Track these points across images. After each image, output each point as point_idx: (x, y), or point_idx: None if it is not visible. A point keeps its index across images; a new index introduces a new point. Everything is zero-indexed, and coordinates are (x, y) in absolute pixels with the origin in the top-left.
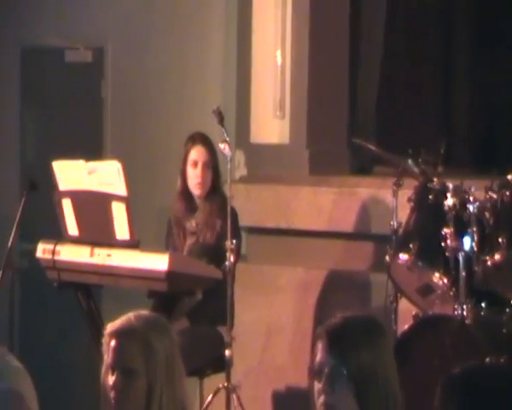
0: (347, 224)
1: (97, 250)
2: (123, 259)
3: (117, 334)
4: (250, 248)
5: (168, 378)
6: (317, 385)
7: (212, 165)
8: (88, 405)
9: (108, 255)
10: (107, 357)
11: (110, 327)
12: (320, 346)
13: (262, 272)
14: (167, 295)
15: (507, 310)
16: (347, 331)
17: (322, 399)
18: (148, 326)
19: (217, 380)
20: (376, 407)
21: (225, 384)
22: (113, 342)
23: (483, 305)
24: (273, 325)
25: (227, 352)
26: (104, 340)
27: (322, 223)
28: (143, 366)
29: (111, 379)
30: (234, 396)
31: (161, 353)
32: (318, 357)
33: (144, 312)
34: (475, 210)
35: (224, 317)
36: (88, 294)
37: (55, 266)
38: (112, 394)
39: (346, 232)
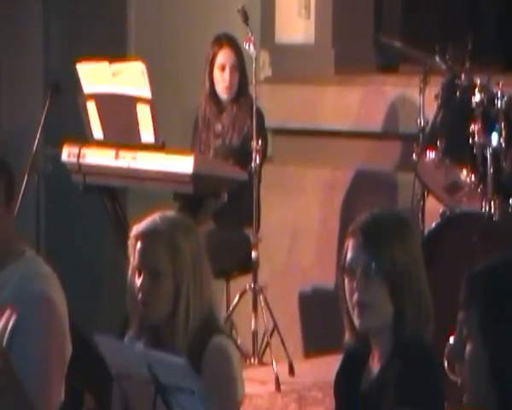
0: (374, 123)
1: (122, 153)
2: (148, 161)
3: (142, 235)
4: (276, 149)
5: (195, 278)
6: (349, 283)
7: (239, 67)
8: (115, 308)
9: (133, 158)
10: (134, 259)
11: (135, 229)
12: (352, 243)
13: (288, 174)
14: (193, 197)
15: None
16: (381, 227)
17: (356, 297)
18: (174, 227)
19: (243, 282)
20: (410, 305)
21: (252, 286)
22: (138, 244)
23: (511, 201)
24: (299, 226)
25: (253, 253)
26: (130, 242)
27: (348, 123)
28: (170, 267)
29: (138, 281)
30: (260, 297)
31: (187, 253)
32: (350, 254)
33: (170, 213)
34: (503, 105)
35: (250, 218)
36: (113, 197)
37: (80, 169)
38: (139, 296)
39: (372, 132)
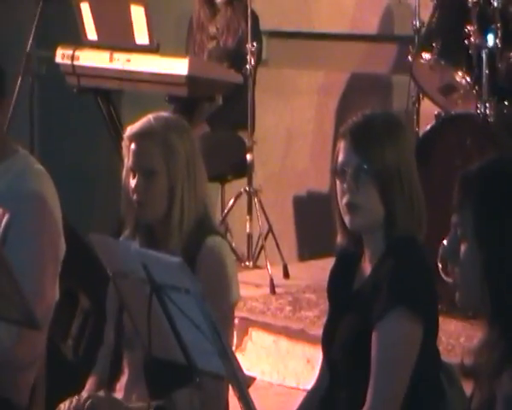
0: (369, 25)
1: (117, 55)
2: (142, 63)
3: (136, 136)
4: (271, 52)
5: (189, 178)
6: (340, 185)
7: None
8: (110, 210)
9: (128, 60)
10: (128, 160)
11: (129, 130)
12: (343, 145)
13: (283, 76)
14: (187, 99)
15: None
16: (371, 128)
17: (346, 198)
18: (168, 127)
19: (238, 185)
20: (401, 206)
21: (247, 189)
22: (132, 145)
23: (506, 103)
24: (294, 130)
25: (248, 156)
26: (124, 143)
27: (343, 25)
28: (164, 167)
29: (132, 182)
30: (255, 200)
31: (181, 153)
32: (341, 156)
33: (164, 113)
34: (499, 5)
35: (245, 121)
36: (108, 99)
37: (74, 71)
38: (134, 196)
39: (367, 34)
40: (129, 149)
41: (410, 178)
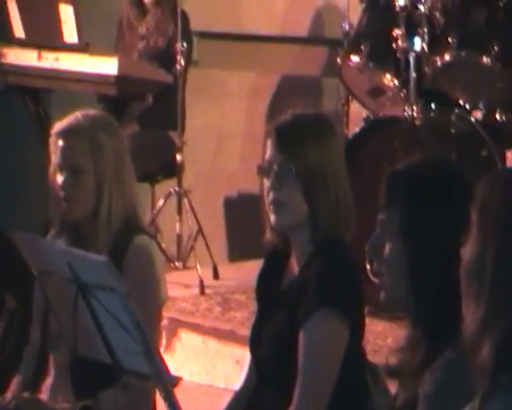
0: (299, 28)
1: (45, 54)
2: (71, 62)
3: (64, 133)
4: (201, 52)
5: (117, 177)
6: (266, 183)
7: None
8: (37, 210)
9: (56, 59)
10: (55, 157)
11: (57, 126)
12: (269, 143)
13: (213, 77)
14: (117, 99)
15: (456, 111)
16: (296, 128)
17: (270, 196)
18: (96, 124)
19: (168, 185)
20: (325, 205)
21: (176, 189)
22: (60, 142)
23: (432, 106)
24: (224, 131)
25: (178, 156)
26: (51, 140)
27: (273, 27)
28: (91, 165)
29: (60, 179)
30: (185, 201)
31: (110, 151)
32: (267, 154)
33: (92, 111)
34: (426, 10)
35: (175, 121)
36: (36, 98)
37: (1, 68)
38: (61, 193)
39: (298, 36)
40: (56, 145)
41: (337, 179)
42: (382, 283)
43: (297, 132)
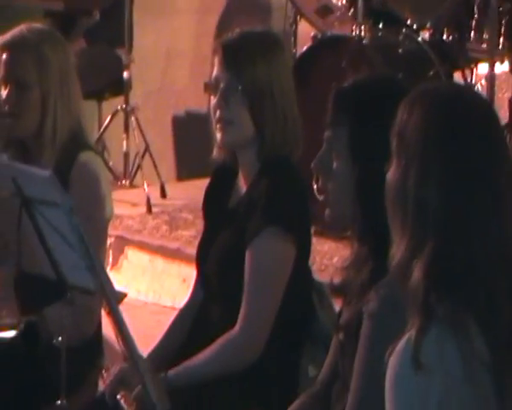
0: None
1: None
2: None
3: (8, 45)
4: None
5: (62, 92)
6: (213, 101)
7: None
8: None
9: None
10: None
11: (1, 40)
12: (216, 60)
13: None
14: (64, 14)
15: (403, 30)
16: (244, 45)
17: (217, 114)
18: (42, 38)
19: (115, 103)
20: (272, 124)
21: (123, 106)
22: (4, 55)
23: (380, 25)
24: (173, 49)
25: (125, 73)
26: None
27: None
28: (36, 78)
29: (3, 93)
30: (132, 118)
31: (55, 64)
32: (214, 72)
33: (37, 25)
34: None
35: (122, 38)
36: None
37: None
38: (6, 108)
39: None
40: (0, 58)
41: (284, 97)
42: (327, 200)
43: (244, 50)
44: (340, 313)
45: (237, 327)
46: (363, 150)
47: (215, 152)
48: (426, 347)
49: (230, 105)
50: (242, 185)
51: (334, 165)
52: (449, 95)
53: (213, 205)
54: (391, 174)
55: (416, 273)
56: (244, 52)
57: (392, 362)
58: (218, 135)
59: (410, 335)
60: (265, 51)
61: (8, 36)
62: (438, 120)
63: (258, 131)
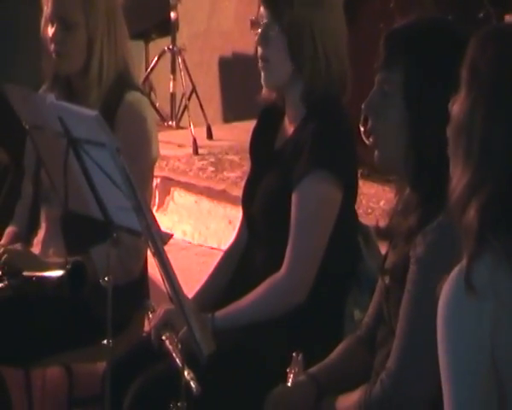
0: None
1: None
2: None
3: None
4: None
5: (109, 32)
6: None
7: None
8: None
9: None
10: (47, 8)
11: None
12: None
13: None
14: None
15: None
16: None
17: (259, 51)
18: None
19: (162, 44)
20: (311, 63)
21: (170, 47)
22: None
23: None
24: None
25: (172, 14)
26: None
27: None
28: (83, 17)
29: (50, 31)
30: (179, 59)
31: (102, 4)
32: (259, 10)
33: None
34: None
35: None
36: None
37: None
38: (52, 46)
39: None
40: None
41: (327, 38)
42: (376, 142)
43: None
44: (386, 256)
45: (283, 269)
46: (418, 92)
47: (263, 91)
48: (478, 271)
49: (270, 44)
50: (289, 126)
51: (386, 106)
52: None
53: (260, 146)
54: (458, 106)
55: (473, 209)
56: None
57: (445, 288)
58: (261, 73)
59: (462, 265)
60: None
61: None
62: None
63: (297, 70)
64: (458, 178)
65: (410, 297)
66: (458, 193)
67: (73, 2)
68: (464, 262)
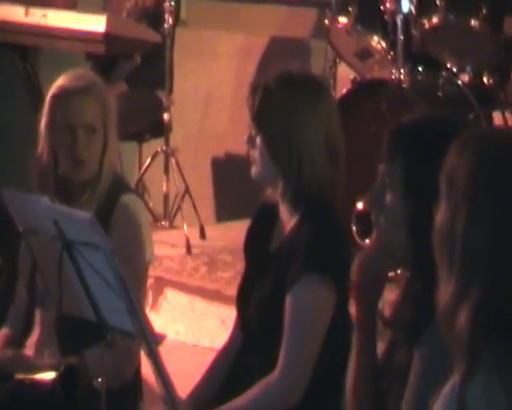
0: None
1: (33, 10)
2: (59, 19)
3: (76, 91)
4: (190, 12)
5: (116, 135)
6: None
7: None
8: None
9: (44, 15)
10: (63, 117)
11: (62, 87)
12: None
13: (202, 38)
14: (105, 57)
15: (443, 74)
16: (264, 90)
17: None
18: (102, 84)
19: (156, 145)
20: (287, 167)
21: (164, 148)
22: (71, 101)
23: (420, 69)
24: (213, 92)
25: (166, 115)
26: (52, 100)
27: None
28: (101, 123)
29: (67, 139)
30: (172, 160)
31: (114, 110)
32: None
33: (83, 70)
34: None
35: (163, 81)
36: (24, 56)
37: None
38: (73, 154)
39: None
40: (61, 106)
41: (304, 144)
42: (379, 235)
43: (265, 100)
44: (390, 349)
45: (276, 372)
46: (416, 187)
47: (267, 190)
48: (471, 393)
49: (256, 147)
50: (284, 226)
51: (388, 198)
52: (499, 140)
53: (255, 246)
54: (439, 217)
55: (462, 319)
56: (264, 103)
57: (437, 407)
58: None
59: (454, 381)
60: (286, 98)
61: (69, 82)
62: (488, 165)
63: (277, 173)
64: (444, 286)
65: (412, 392)
66: (445, 302)
67: (95, 108)
68: (456, 380)
